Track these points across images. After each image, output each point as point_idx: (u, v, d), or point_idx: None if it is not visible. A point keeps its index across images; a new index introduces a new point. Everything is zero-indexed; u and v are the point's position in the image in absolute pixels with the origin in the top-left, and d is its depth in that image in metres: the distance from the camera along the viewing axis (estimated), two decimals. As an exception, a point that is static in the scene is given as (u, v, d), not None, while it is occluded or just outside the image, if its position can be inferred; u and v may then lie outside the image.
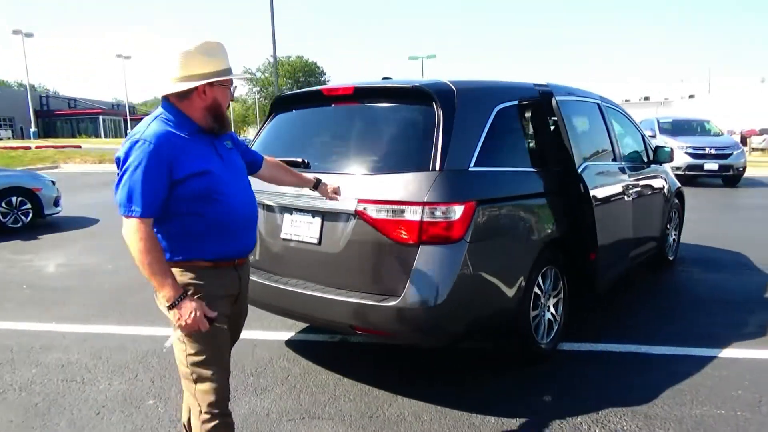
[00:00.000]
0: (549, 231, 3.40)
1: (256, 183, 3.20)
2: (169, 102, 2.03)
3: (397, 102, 3.21)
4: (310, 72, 74.49)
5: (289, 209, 3.24)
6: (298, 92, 3.66)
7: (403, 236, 2.81)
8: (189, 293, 1.97)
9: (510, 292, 3.09)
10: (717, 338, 3.85)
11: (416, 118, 3.07)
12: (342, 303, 2.96)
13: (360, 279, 2.97)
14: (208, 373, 2.05)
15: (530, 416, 2.90)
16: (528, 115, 3.57)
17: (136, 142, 1.91)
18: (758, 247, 6.59)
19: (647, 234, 4.99)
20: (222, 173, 2.06)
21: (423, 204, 2.76)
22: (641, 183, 4.80)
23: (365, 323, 2.92)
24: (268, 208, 3.35)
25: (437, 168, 2.84)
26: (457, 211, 2.80)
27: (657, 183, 5.22)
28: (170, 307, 1.93)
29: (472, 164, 2.97)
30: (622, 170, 4.56)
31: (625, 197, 4.40)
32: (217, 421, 2.07)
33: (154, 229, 1.95)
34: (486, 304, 3.01)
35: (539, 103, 3.62)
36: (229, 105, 2.16)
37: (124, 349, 3.88)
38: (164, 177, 1.92)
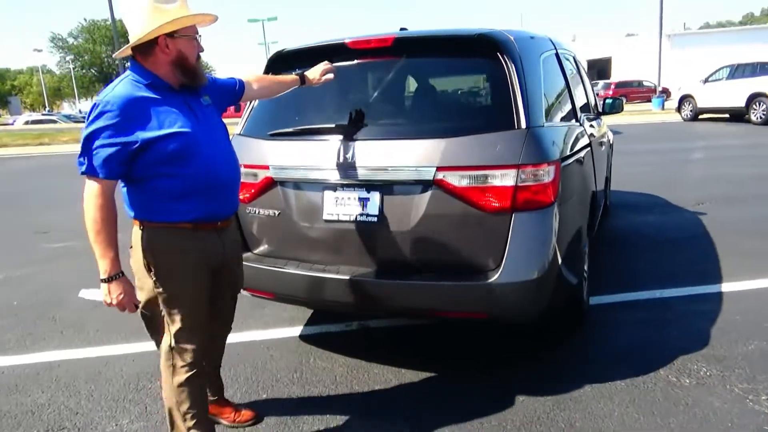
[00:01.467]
0: (593, 187, 3.30)
1: (282, 159, 2.71)
2: (135, 61, 1.99)
3: (453, 54, 2.81)
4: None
5: (332, 185, 2.74)
6: (310, 46, 3.06)
7: (494, 204, 2.50)
8: (111, 277, 1.97)
9: (580, 254, 2.94)
10: (705, 274, 4.12)
11: (485, 71, 2.74)
12: (422, 287, 2.59)
13: (439, 257, 2.61)
14: (183, 333, 2.11)
15: (609, 377, 2.82)
16: (555, 65, 3.39)
17: (99, 103, 1.88)
18: (655, 187, 7.29)
19: (603, 182, 5.19)
20: (198, 133, 2.02)
21: (517, 167, 2.47)
22: (602, 135, 4.93)
23: (453, 306, 2.59)
24: (300, 186, 2.82)
25: (523, 126, 2.55)
26: (551, 172, 2.56)
27: (609, 134, 5.43)
28: (103, 281, 1.97)
29: (545, 120, 2.72)
30: (591, 124, 4.62)
31: (596, 150, 4.47)
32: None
33: (131, 189, 2.02)
34: (569, 270, 2.83)
35: (556, 53, 3.46)
36: (199, 57, 2.08)
37: (103, 375, 3.10)
38: (126, 139, 1.88)
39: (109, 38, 63.74)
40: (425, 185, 2.55)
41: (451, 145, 2.53)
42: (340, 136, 2.73)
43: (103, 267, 1.96)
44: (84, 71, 65.01)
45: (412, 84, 2.90)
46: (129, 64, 2.03)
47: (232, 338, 2.69)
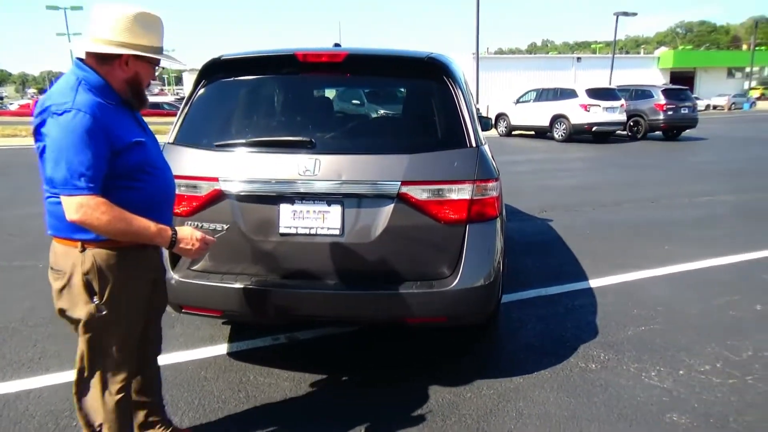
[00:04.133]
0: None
1: (234, 171, 2.65)
2: (87, 65, 1.87)
3: (401, 74, 2.95)
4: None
5: (289, 198, 2.71)
6: (253, 55, 2.95)
7: (451, 216, 2.70)
8: (173, 234, 1.94)
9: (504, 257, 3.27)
10: (574, 273, 4.80)
11: (433, 92, 2.89)
12: (387, 296, 2.70)
13: (400, 267, 2.74)
14: (117, 356, 2.01)
15: (531, 363, 3.20)
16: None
17: (67, 111, 1.73)
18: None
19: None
20: (151, 146, 2.01)
21: (473, 182, 2.71)
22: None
23: (417, 312, 2.72)
24: (252, 199, 2.74)
25: (473, 144, 2.79)
26: (497, 187, 2.84)
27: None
28: (171, 247, 1.94)
29: (482, 141, 3.00)
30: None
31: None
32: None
33: None
34: (503, 273, 3.13)
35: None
36: (149, 84, 2.05)
37: (6, 417, 2.67)
38: (106, 148, 1.79)
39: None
40: (389, 198, 2.66)
41: (414, 161, 2.68)
42: (298, 149, 2.72)
43: (161, 243, 1.93)
44: None
45: (366, 100, 2.98)
46: (75, 62, 1.91)
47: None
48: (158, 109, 28.68)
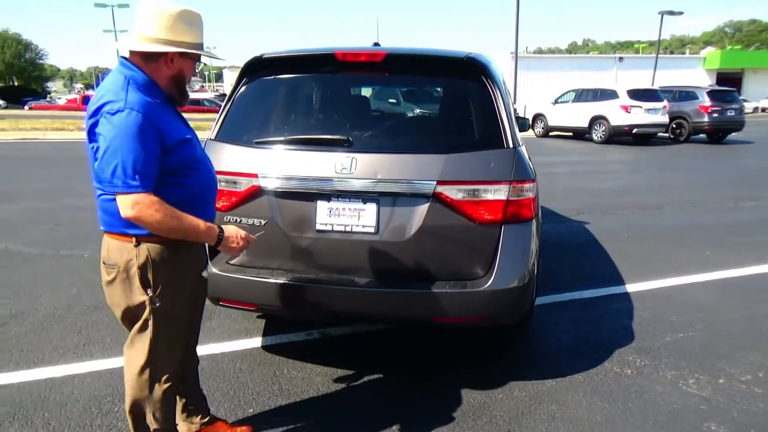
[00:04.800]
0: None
1: (273, 168, 2.69)
2: (133, 64, 1.92)
3: (440, 74, 2.96)
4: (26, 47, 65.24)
5: (326, 195, 2.75)
6: (293, 54, 3.00)
7: (487, 216, 2.70)
8: (221, 232, 2.02)
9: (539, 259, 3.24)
10: (610, 276, 4.72)
11: (472, 92, 2.89)
12: (420, 295, 2.71)
13: (434, 266, 2.75)
14: (167, 347, 2.06)
15: (564, 368, 3.16)
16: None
17: (121, 110, 1.78)
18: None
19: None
20: (195, 141, 2.06)
21: (509, 182, 2.69)
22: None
23: (451, 312, 2.73)
24: (290, 195, 2.79)
25: (510, 145, 2.78)
26: (533, 188, 2.82)
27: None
28: (217, 245, 2.02)
29: (519, 141, 2.99)
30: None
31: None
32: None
33: None
34: (537, 275, 3.11)
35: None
36: (190, 80, 2.09)
37: (53, 401, 2.79)
38: (157, 146, 1.84)
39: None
40: (424, 197, 2.68)
41: (450, 161, 2.69)
42: (335, 147, 2.75)
43: (208, 241, 2.01)
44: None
45: (403, 99, 3.00)
46: (121, 60, 1.95)
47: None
48: (199, 105, 29.32)
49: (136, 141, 1.78)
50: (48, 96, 63.71)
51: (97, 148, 1.82)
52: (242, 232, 2.09)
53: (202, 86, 71.02)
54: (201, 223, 1.95)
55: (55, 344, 3.42)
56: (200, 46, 2.00)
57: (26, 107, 39.17)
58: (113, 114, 1.78)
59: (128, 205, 1.81)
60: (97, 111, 1.81)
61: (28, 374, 3.05)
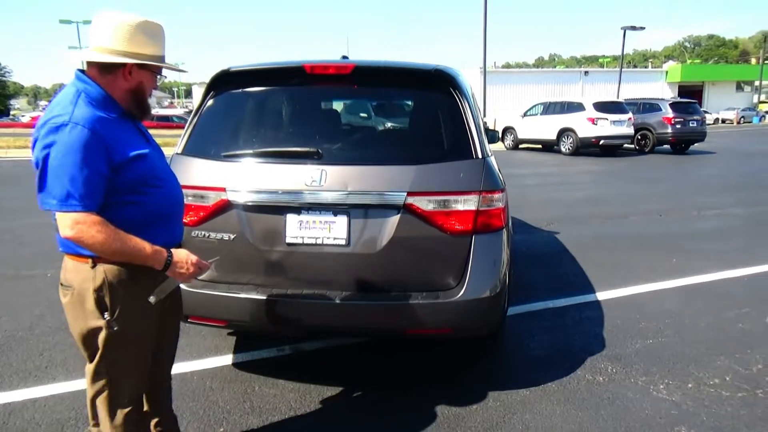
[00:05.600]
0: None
1: (241, 182, 2.66)
2: (89, 77, 1.84)
3: (408, 86, 2.97)
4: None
5: (296, 208, 2.73)
6: (262, 67, 2.98)
7: (457, 227, 2.71)
8: (169, 257, 1.88)
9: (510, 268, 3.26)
10: (581, 285, 4.77)
11: (441, 104, 2.92)
12: (393, 307, 2.70)
13: (407, 278, 2.75)
14: (127, 377, 1.99)
15: (538, 378, 3.17)
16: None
17: (64, 125, 1.70)
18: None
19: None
20: (154, 157, 1.96)
21: (479, 193, 2.71)
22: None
23: (424, 324, 2.71)
24: (259, 209, 2.75)
25: (479, 156, 2.80)
26: (502, 198, 2.84)
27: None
28: (165, 270, 1.88)
29: (488, 152, 3.01)
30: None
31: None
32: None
33: None
34: (509, 285, 3.12)
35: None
36: (151, 94, 2.01)
37: (13, 426, 2.67)
38: (104, 164, 1.74)
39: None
40: (395, 209, 2.67)
41: (420, 172, 2.69)
42: (305, 159, 2.74)
43: (154, 264, 1.86)
44: None
45: (372, 112, 3.00)
46: (76, 73, 1.87)
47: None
48: (168, 121, 28.99)
49: (79, 157, 1.68)
50: (11, 114, 62.23)
51: (38, 163, 1.74)
52: (194, 258, 1.95)
53: (171, 102, 70.30)
54: (147, 246, 1.82)
55: (16, 367, 3.30)
56: (161, 59, 1.93)
57: (-13, 125, 38.18)
58: (57, 128, 1.70)
59: (68, 224, 1.72)
60: (42, 124, 1.73)
61: (-14, 399, 2.93)
